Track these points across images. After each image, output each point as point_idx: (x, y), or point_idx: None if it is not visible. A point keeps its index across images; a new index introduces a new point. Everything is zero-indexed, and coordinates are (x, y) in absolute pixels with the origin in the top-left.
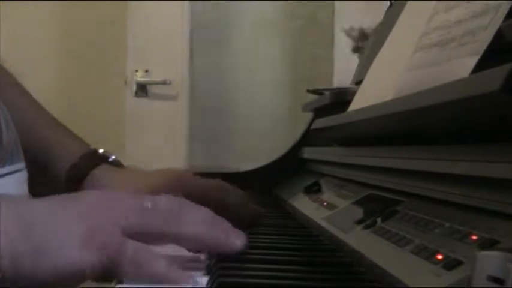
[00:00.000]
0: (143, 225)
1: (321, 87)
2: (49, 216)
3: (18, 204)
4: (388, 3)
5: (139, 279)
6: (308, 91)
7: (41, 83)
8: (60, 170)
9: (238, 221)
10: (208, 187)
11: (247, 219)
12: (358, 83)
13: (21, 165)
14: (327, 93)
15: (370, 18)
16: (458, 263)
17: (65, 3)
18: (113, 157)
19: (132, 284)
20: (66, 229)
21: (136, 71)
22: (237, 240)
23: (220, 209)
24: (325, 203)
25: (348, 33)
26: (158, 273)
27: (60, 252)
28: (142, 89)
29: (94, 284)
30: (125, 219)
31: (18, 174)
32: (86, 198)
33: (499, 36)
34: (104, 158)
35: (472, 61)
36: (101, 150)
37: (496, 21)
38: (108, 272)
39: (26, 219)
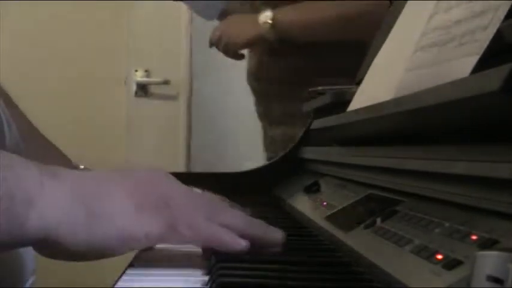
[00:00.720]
0: (189, 206)
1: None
2: (101, 186)
3: (68, 175)
4: (388, 3)
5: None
6: (308, 91)
7: (41, 83)
8: None
9: None
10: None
11: None
12: (358, 83)
13: None
14: (326, 93)
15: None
16: (458, 263)
17: (65, 3)
18: None
19: (132, 283)
20: (119, 197)
21: (136, 70)
22: (277, 234)
23: None
24: (324, 203)
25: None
26: (213, 235)
27: (115, 218)
28: (142, 89)
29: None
30: (169, 196)
31: None
32: (133, 174)
33: (498, 36)
34: None
35: (472, 61)
36: (81, 167)
37: (495, 21)
38: (161, 239)
39: (79, 189)
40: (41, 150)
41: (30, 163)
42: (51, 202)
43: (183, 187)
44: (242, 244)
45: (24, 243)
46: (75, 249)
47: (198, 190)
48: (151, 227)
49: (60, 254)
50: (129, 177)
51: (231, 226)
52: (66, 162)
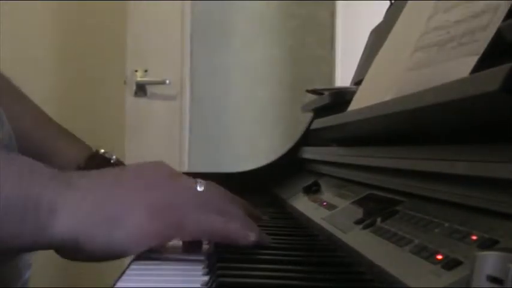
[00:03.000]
0: (196, 204)
1: (320, 87)
2: (112, 191)
3: (80, 182)
4: (388, 3)
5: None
6: (307, 91)
7: (41, 83)
8: (63, 166)
9: None
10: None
11: None
12: (358, 83)
13: None
14: (326, 93)
15: (370, 18)
16: (458, 263)
17: (65, 3)
18: (114, 157)
19: (133, 283)
20: (131, 200)
21: (136, 71)
22: (266, 239)
23: None
24: (324, 203)
25: None
26: (222, 230)
27: (129, 220)
28: (141, 89)
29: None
30: (181, 197)
31: None
32: (143, 174)
33: (498, 36)
34: (106, 160)
35: (472, 61)
36: (102, 151)
37: (495, 21)
38: (172, 237)
39: (93, 196)
40: (56, 138)
41: (48, 172)
42: (71, 211)
43: (188, 182)
44: (251, 238)
45: (45, 248)
46: (94, 252)
47: (202, 181)
48: (162, 226)
49: (80, 256)
50: (138, 178)
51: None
52: (85, 149)
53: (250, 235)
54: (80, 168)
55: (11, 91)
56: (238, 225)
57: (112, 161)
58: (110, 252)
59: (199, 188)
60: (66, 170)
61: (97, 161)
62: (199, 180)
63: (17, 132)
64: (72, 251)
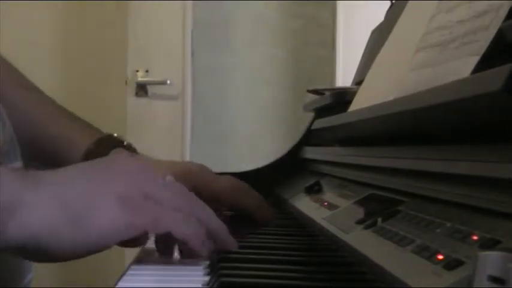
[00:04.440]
0: (164, 198)
1: (321, 87)
2: (82, 185)
3: (49, 179)
4: (389, 3)
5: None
6: (308, 91)
7: (41, 83)
8: (76, 155)
9: (250, 224)
10: (220, 187)
11: (260, 224)
12: (359, 83)
13: (18, 164)
14: (327, 93)
15: (371, 18)
16: (459, 263)
17: (65, 3)
18: (127, 142)
19: (134, 283)
20: (100, 194)
21: (137, 71)
22: (233, 244)
23: (234, 210)
24: (326, 203)
25: None
26: (187, 235)
27: (97, 215)
28: (143, 89)
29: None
30: (150, 189)
31: None
32: (112, 166)
33: (500, 36)
34: (119, 142)
35: (473, 61)
36: (115, 134)
37: (497, 22)
38: (143, 231)
39: (60, 192)
40: (69, 126)
41: (11, 172)
42: (31, 210)
43: (160, 179)
44: (204, 252)
45: (7, 250)
46: (61, 251)
47: (170, 177)
48: (133, 219)
49: (46, 257)
50: (107, 170)
51: (205, 222)
52: (99, 133)
53: (204, 252)
54: (89, 151)
55: (21, 81)
56: (203, 239)
57: (124, 143)
58: (79, 250)
59: (165, 179)
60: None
61: (108, 143)
62: (168, 176)
63: (30, 123)
64: (35, 251)
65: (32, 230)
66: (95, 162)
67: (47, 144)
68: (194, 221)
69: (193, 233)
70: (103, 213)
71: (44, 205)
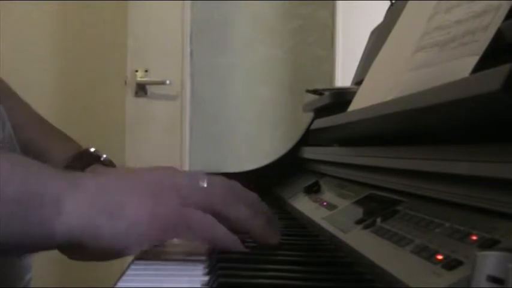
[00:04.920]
0: (201, 202)
1: (321, 87)
2: (119, 192)
3: (88, 183)
4: (389, 3)
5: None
6: (308, 91)
7: (41, 83)
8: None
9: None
10: (209, 194)
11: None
12: (359, 83)
13: None
14: (326, 93)
15: (370, 18)
16: (458, 263)
17: (65, 3)
18: (104, 156)
19: (133, 283)
20: (136, 201)
21: (136, 71)
22: (272, 239)
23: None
24: (325, 203)
25: None
26: (218, 237)
27: (133, 220)
28: (142, 89)
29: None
30: (183, 193)
31: None
32: (143, 173)
33: (499, 36)
34: (96, 158)
35: (472, 61)
36: (92, 149)
37: (496, 22)
38: (174, 236)
39: (100, 197)
40: (45, 136)
41: (54, 172)
42: (76, 210)
43: (193, 180)
44: (236, 247)
45: (49, 247)
46: (99, 251)
47: (205, 176)
48: (166, 224)
49: (84, 256)
50: (144, 179)
51: (236, 219)
52: (75, 147)
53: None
54: (67, 166)
55: (1, 88)
56: (233, 240)
57: (102, 159)
58: (113, 251)
59: (203, 184)
60: (71, 171)
61: (85, 159)
62: (201, 174)
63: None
64: (77, 247)
65: (76, 228)
66: (131, 169)
67: (24, 147)
68: (222, 228)
69: (222, 237)
70: (139, 220)
71: (86, 206)
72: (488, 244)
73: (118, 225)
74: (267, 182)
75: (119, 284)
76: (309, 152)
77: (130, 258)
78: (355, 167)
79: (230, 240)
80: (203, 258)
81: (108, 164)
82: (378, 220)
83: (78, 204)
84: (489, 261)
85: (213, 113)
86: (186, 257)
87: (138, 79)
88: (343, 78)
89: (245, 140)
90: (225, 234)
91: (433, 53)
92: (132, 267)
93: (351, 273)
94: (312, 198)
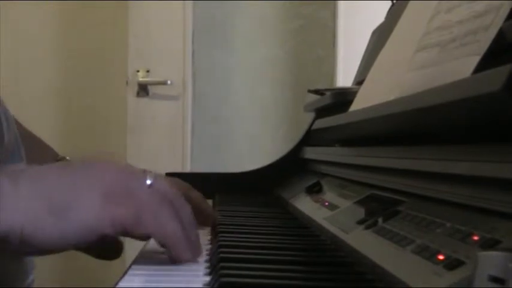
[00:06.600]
0: (146, 197)
1: (322, 87)
2: (63, 179)
3: (29, 173)
4: (390, 3)
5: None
6: (309, 91)
7: (43, 83)
8: None
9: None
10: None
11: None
12: (360, 83)
13: (22, 164)
14: (328, 93)
15: (371, 18)
16: (460, 263)
17: (65, 3)
18: None
19: (134, 283)
20: (82, 187)
21: (138, 71)
22: (194, 255)
23: None
24: (326, 203)
25: None
26: (173, 234)
27: (79, 208)
28: (143, 89)
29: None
30: (133, 186)
31: None
32: (95, 164)
33: (500, 36)
34: None
35: (474, 61)
36: (68, 158)
37: (497, 22)
38: (126, 228)
39: (40, 185)
40: (27, 142)
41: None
42: (13, 202)
43: (143, 178)
44: (189, 257)
45: None
46: (47, 243)
47: (151, 173)
48: (117, 215)
49: (29, 249)
50: (89, 167)
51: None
52: (51, 153)
53: (187, 255)
54: None
55: None
56: (186, 242)
57: None
58: (65, 241)
59: (148, 181)
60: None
61: None
62: (148, 171)
63: None
64: (17, 243)
65: (14, 221)
66: (73, 161)
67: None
68: (177, 222)
69: (175, 237)
70: (85, 206)
71: (26, 197)
72: (490, 244)
73: (65, 217)
74: (268, 182)
75: (120, 284)
76: (310, 152)
77: (131, 258)
78: (356, 167)
79: (183, 239)
80: (204, 258)
81: None
82: (380, 220)
83: (15, 200)
84: (490, 261)
85: (214, 113)
86: None
87: (140, 79)
88: (344, 78)
89: (246, 140)
90: (176, 231)
91: (434, 53)
92: (133, 267)
93: (352, 274)
94: (313, 199)
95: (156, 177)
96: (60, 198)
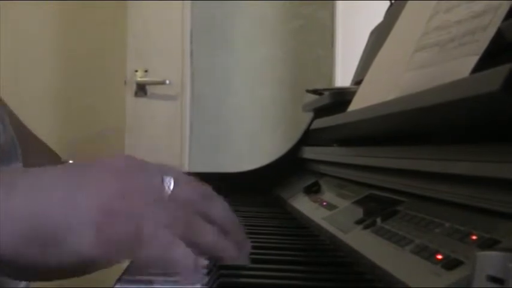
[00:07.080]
0: (158, 217)
1: (320, 87)
2: (58, 194)
3: (23, 179)
4: (388, 3)
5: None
6: (307, 91)
7: (41, 83)
8: None
9: None
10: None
11: None
12: (358, 83)
13: (19, 165)
14: (326, 93)
15: (370, 18)
16: (459, 263)
17: (65, 3)
18: None
19: (134, 283)
20: (78, 207)
21: (136, 71)
22: (241, 254)
23: None
24: (325, 203)
25: None
26: (211, 244)
27: (70, 240)
28: (142, 89)
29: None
30: (140, 207)
31: None
32: (97, 175)
33: (498, 36)
34: None
35: (472, 61)
36: (71, 162)
37: (495, 21)
38: (118, 259)
39: (33, 200)
40: (30, 146)
41: None
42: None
43: (158, 185)
44: (236, 256)
45: None
46: (26, 273)
47: (171, 175)
48: (112, 246)
49: (13, 275)
50: (98, 177)
51: (216, 220)
52: (55, 158)
53: (234, 254)
54: None
55: None
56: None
57: None
58: (49, 272)
59: (167, 187)
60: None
61: None
62: (165, 169)
63: None
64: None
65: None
66: (75, 163)
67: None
68: (209, 228)
69: (181, 260)
70: (79, 239)
71: (12, 220)
72: (488, 244)
73: (50, 248)
74: (267, 182)
75: (119, 285)
76: (308, 152)
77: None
78: (355, 167)
79: (191, 263)
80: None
81: None
82: (378, 220)
83: (2, 221)
84: (489, 261)
85: (213, 113)
86: None
87: (138, 79)
88: (343, 78)
89: (245, 140)
90: (184, 255)
91: (433, 53)
92: (133, 267)
93: (350, 273)
94: (311, 198)
95: (176, 177)
96: (49, 228)
